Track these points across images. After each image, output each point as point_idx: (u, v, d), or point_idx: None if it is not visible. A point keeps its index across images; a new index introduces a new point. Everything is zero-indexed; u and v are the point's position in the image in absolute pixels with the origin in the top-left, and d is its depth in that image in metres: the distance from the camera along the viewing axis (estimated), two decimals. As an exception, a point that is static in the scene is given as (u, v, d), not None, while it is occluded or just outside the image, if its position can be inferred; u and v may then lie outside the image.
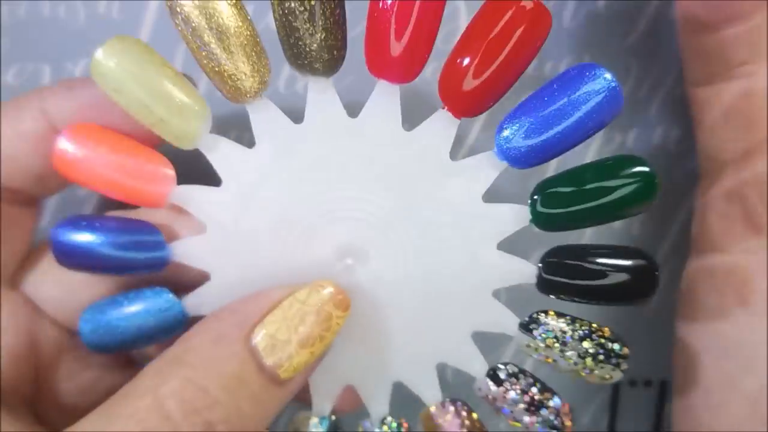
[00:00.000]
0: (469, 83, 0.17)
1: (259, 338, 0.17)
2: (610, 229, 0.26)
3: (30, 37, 0.24)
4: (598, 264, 0.17)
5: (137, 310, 0.19)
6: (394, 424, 0.20)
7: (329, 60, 0.18)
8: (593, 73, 0.16)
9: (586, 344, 0.18)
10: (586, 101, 0.16)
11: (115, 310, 0.19)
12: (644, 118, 0.25)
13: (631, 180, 0.16)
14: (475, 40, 0.17)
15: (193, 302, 0.20)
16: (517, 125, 0.17)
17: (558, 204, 0.17)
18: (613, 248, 0.18)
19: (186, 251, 0.19)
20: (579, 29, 0.24)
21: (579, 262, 0.17)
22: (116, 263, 0.19)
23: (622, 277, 0.17)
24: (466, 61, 0.17)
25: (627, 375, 0.24)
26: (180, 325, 0.20)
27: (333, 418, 0.20)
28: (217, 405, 0.16)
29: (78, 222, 0.19)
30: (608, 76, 0.16)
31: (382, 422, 0.20)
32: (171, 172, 0.19)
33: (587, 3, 0.24)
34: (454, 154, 0.18)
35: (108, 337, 0.19)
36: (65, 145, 0.18)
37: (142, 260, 0.19)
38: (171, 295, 0.19)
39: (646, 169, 0.17)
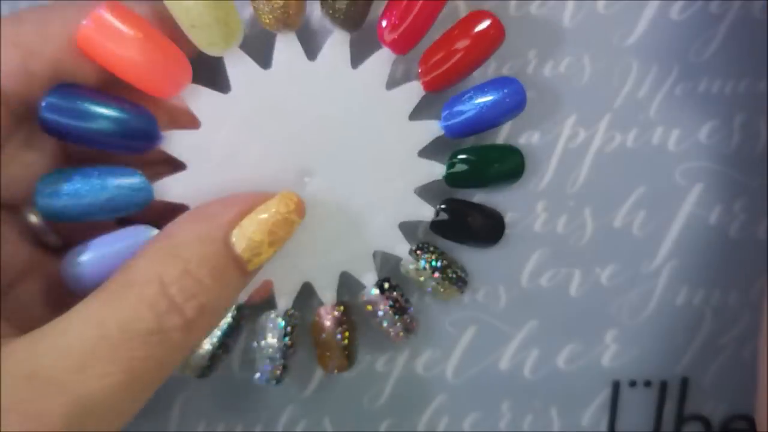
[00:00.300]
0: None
1: (237, 238, 0.20)
2: (611, 229, 0.26)
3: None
4: (468, 215, 0.25)
5: (109, 183, 0.21)
6: (291, 310, 0.24)
7: (355, 22, 0.22)
8: (506, 82, 0.23)
9: (447, 270, 0.25)
10: (495, 102, 0.23)
11: (85, 179, 0.20)
12: (644, 118, 0.25)
13: (509, 159, 0.24)
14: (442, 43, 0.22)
15: (162, 188, 0.22)
16: (450, 109, 0.23)
17: (460, 168, 0.24)
18: (481, 207, 0.25)
19: (174, 141, 0.21)
20: (579, 29, 0.24)
21: (458, 213, 0.24)
22: (107, 137, 0.20)
23: (485, 227, 0.25)
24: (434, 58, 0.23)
25: (627, 375, 0.28)
26: (144, 206, 0.21)
27: (240, 305, 0.24)
28: (208, 291, 0.19)
29: (70, 89, 0.20)
30: (509, 89, 0.22)
31: (285, 313, 0.24)
32: (190, 68, 0.21)
33: (587, 3, 0.24)
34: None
35: (70, 204, 0.20)
36: (97, 18, 0.19)
37: (134, 136, 0.20)
38: (143, 177, 0.21)
39: (519, 153, 0.24)
